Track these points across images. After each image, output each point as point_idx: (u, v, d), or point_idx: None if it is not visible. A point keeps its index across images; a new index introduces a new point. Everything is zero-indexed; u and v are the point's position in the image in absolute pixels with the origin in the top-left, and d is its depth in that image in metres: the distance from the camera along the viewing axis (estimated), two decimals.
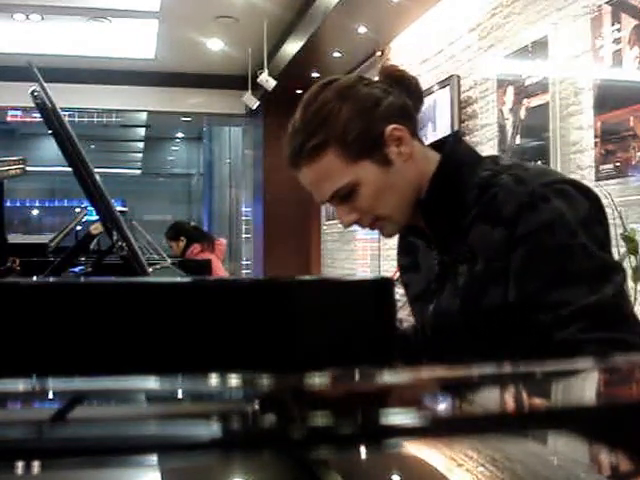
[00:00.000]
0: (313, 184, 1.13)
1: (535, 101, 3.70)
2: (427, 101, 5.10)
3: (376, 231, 1.18)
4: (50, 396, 0.40)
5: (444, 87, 4.82)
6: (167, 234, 5.12)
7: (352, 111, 1.09)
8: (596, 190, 1.10)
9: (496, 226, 1.03)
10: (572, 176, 3.45)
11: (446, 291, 1.12)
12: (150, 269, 1.09)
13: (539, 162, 3.69)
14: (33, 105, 1.04)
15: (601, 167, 3.19)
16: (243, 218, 9.14)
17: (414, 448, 0.32)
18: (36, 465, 0.27)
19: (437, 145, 1.18)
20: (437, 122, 4.95)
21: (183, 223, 5.55)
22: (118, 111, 10.29)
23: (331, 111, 1.09)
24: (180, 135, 15.80)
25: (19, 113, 10.93)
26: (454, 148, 1.15)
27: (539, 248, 1.00)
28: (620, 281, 1.01)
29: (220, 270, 4.78)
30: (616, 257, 2.79)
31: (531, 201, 1.00)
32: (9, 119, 12.05)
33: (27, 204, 16.63)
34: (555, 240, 0.99)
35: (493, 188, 1.05)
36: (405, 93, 1.14)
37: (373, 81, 1.14)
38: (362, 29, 5.59)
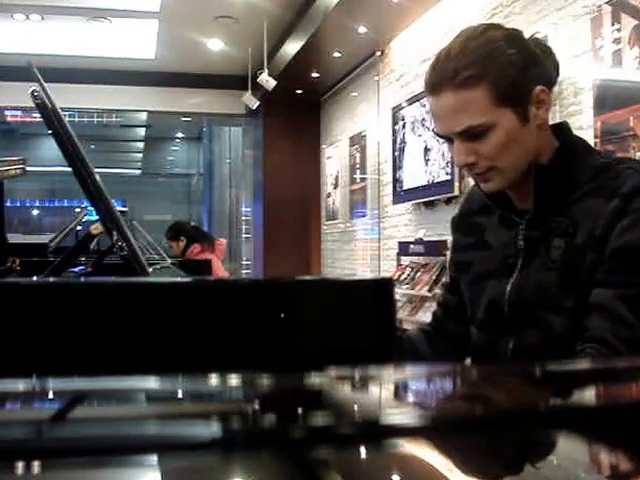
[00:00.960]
0: (449, 112, 1.12)
1: None
2: (427, 101, 5.10)
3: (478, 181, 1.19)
4: (50, 396, 0.40)
5: None
6: (167, 234, 5.11)
7: (514, 58, 1.10)
8: None
9: (611, 199, 1.07)
10: None
11: (533, 266, 1.13)
12: (150, 269, 1.09)
13: None
14: (33, 105, 1.04)
15: None
16: (243, 218, 9.14)
17: (414, 448, 0.32)
18: (36, 465, 0.27)
19: (554, 129, 1.21)
20: None
21: (183, 223, 5.54)
22: (118, 111, 10.30)
23: (496, 50, 1.10)
24: (180, 135, 15.80)
25: (19, 113, 10.93)
26: (571, 132, 1.20)
27: (638, 222, 1.04)
28: None
29: (220, 270, 4.78)
30: None
31: None
32: (9, 119, 12.05)
33: (27, 204, 16.63)
34: None
35: (611, 172, 1.10)
36: (552, 66, 1.18)
37: (529, 44, 1.17)
38: (362, 29, 5.59)
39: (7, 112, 10.72)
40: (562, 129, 1.21)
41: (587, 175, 1.12)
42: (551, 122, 1.20)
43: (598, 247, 1.06)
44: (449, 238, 1.41)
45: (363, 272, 6.63)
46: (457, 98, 1.10)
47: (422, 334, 1.35)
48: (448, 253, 1.39)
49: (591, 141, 3.27)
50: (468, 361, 1.27)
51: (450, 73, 1.10)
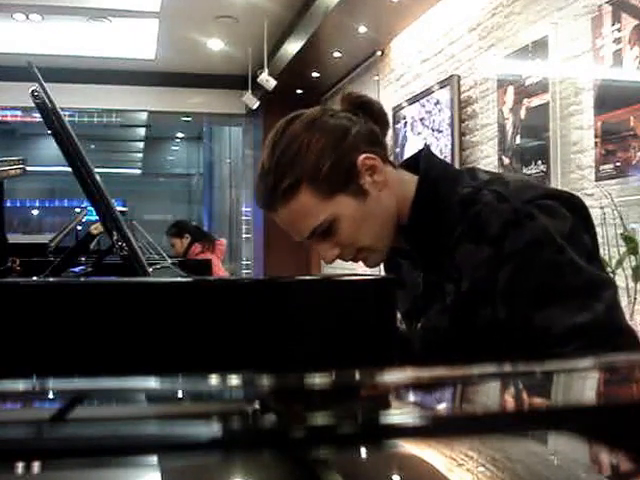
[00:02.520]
0: (290, 224, 1.10)
1: (535, 101, 3.70)
2: (427, 101, 5.11)
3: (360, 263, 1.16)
4: (50, 396, 0.40)
5: (444, 87, 4.82)
6: (170, 232, 5.07)
7: (321, 145, 1.06)
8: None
9: (481, 245, 1.01)
10: (571, 176, 3.46)
11: (434, 309, 1.11)
12: (150, 269, 1.09)
13: (539, 162, 3.70)
14: (33, 105, 1.04)
15: (601, 167, 3.19)
16: (243, 218, 9.14)
17: (414, 448, 0.32)
18: (36, 465, 0.27)
19: (409, 164, 1.16)
20: (437, 122, 4.95)
21: (185, 222, 5.53)
22: (118, 111, 10.29)
23: (300, 148, 1.06)
24: (180, 135, 15.79)
25: (19, 113, 10.93)
26: (429, 166, 1.13)
27: (527, 266, 0.98)
28: (611, 295, 0.99)
29: (220, 270, 4.78)
30: (616, 257, 2.80)
31: (517, 219, 0.99)
32: (9, 119, 12.05)
33: (27, 204, 16.63)
34: (543, 257, 0.98)
35: (475, 206, 1.03)
36: (371, 119, 1.12)
37: (338, 111, 1.12)
38: (362, 29, 5.60)
39: (7, 112, 10.72)
40: (418, 161, 1.14)
41: (455, 212, 1.06)
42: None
43: (486, 302, 1.01)
44: None
45: (363, 272, 6.62)
46: (289, 211, 1.08)
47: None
48: None
49: (591, 141, 3.27)
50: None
51: (270, 192, 1.08)
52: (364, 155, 1.08)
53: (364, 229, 1.09)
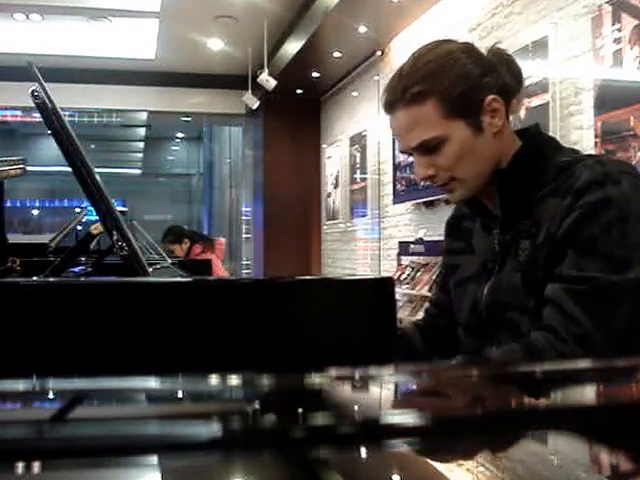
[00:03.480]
0: (404, 129, 1.15)
1: (535, 101, 3.70)
2: None
3: (443, 191, 1.20)
4: (50, 396, 0.40)
5: None
6: (167, 239, 5.01)
7: (461, 72, 1.13)
8: None
9: (565, 197, 1.08)
10: None
11: (506, 268, 1.15)
12: (150, 269, 1.09)
13: None
14: (33, 105, 1.03)
15: None
16: (243, 218, 9.14)
17: (414, 448, 0.32)
18: (36, 465, 0.27)
19: (521, 133, 1.22)
20: None
21: (181, 227, 5.48)
22: (118, 111, 10.29)
23: (442, 66, 1.13)
24: (180, 135, 15.80)
25: (19, 113, 10.93)
26: (537, 134, 1.20)
27: (588, 216, 1.04)
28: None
29: (220, 270, 4.78)
30: None
31: (603, 180, 1.05)
32: (9, 119, 12.05)
33: (27, 204, 16.63)
34: (605, 217, 1.04)
35: (572, 171, 1.10)
36: (509, 74, 1.19)
37: (484, 54, 1.19)
38: (362, 29, 5.60)
39: (7, 112, 10.72)
40: (528, 131, 1.22)
41: (549, 175, 1.12)
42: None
43: (552, 243, 1.08)
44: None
45: (363, 272, 6.63)
46: (408, 115, 1.13)
47: (416, 329, 1.38)
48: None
49: (591, 141, 3.26)
50: (458, 358, 1.29)
51: (400, 92, 1.14)
52: (493, 96, 1.14)
53: (466, 160, 1.14)
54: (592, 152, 3.26)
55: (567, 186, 1.08)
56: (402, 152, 1.21)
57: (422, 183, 1.24)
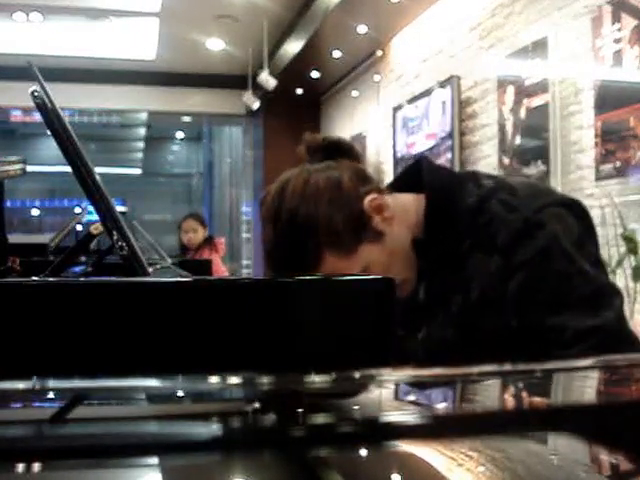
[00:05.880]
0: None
1: (535, 101, 3.70)
2: (427, 101, 5.10)
3: None
4: (50, 396, 0.40)
5: (444, 87, 4.82)
6: (193, 217, 4.94)
7: (324, 208, 1.05)
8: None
9: (492, 255, 1.02)
10: (571, 176, 3.46)
11: (436, 320, 1.11)
12: (150, 269, 1.09)
13: (539, 162, 3.69)
14: (33, 105, 1.03)
15: (601, 167, 3.19)
16: (243, 218, 9.14)
17: (414, 448, 0.32)
18: (36, 465, 0.27)
19: (403, 180, 1.16)
20: (437, 122, 4.95)
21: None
22: (118, 111, 10.29)
23: (306, 219, 1.05)
24: (180, 135, 15.80)
25: (19, 113, 10.93)
26: (433, 178, 1.12)
27: (537, 275, 0.99)
28: (619, 304, 1.00)
29: (222, 269, 4.77)
30: (616, 257, 2.80)
31: (526, 228, 0.99)
32: (9, 119, 12.05)
33: (27, 204, 16.62)
34: (553, 266, 0.98)
35: (484, 215, 1.04)
36: (348, 157, 1.12)
37: (320, 167, 1.10)
38: (362, 28, 5.60)
39: (8, 112, 10.72)
40: (421, 176, 1.13)
41: (464, 224, 1.06)
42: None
43: (497, 310, 1.01)
44: None
45: None
46: (323, 270, 1.06)
47: None
48: None
49: (591, 141, 3.26)
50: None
51: (295, 265, 1.07)
52: (368, 197, 1.07)
53: (393, 267, 1.09)
54: (592, 152, 3.26)
55: (487, 241, 1.02)
56: None
57: None
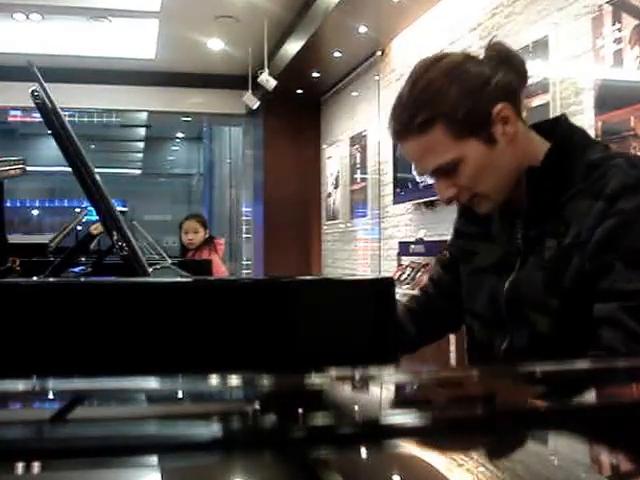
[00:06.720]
0: (417, 157, 1.15)
1: (535, 101, 3.70)
2: None
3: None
4: (50, 396, 0.40)
5: None
6: (195, 219, 4.95)
7: (461, 89, 1.10)
8: None
9: (597, 200, 1.05)
10: None
11: (529, 265, 1.13)
12: (150, 269, 1.09)
13: None
14: (33, 105, 1.03)
15: None
16: (243, 218, 9.14)
17: (414, 448, 0.32)
18: (36, 465, 0.27)
19: (541, 127, 1.19)
20: None
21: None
22: (118, 111, 10.29)
23: (440, 89, 1.10)
24: (180, 135, 15.80)
25: (19, 113, 10.93)
26: (568, 129, 1.18)
27: (628, 226, 1.02)
28: None
29: (222, 269, 4.77)
30: None
31: (636, 184, 1.04)
32: (9, 119, 12.05)
33: (27, 204, 16.62)
34: None
35: (600, 169, 1.08)
36: (511, 72, 1.15)
37: (480, 59, 1.16)
38: (362, 29, 5.59)
39: (7, 112, 10.72)
40: (558, 125, 1.19)
41: (580, 173, 1.10)
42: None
43: (582, 251, 1.05)
44: (450, 238, 1.42)
45: (363, 272, 6.63)
46: (419, 144, 1.12)
47: (408, 313, 1.36)
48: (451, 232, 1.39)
49: None
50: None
51: (405, 122, 1.12)
52: (500, 105, 1.11)
53: (485, 176, 1.13)
54: None
55: (597, 188, 1.06)
56: (420, 175, 1.20)
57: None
